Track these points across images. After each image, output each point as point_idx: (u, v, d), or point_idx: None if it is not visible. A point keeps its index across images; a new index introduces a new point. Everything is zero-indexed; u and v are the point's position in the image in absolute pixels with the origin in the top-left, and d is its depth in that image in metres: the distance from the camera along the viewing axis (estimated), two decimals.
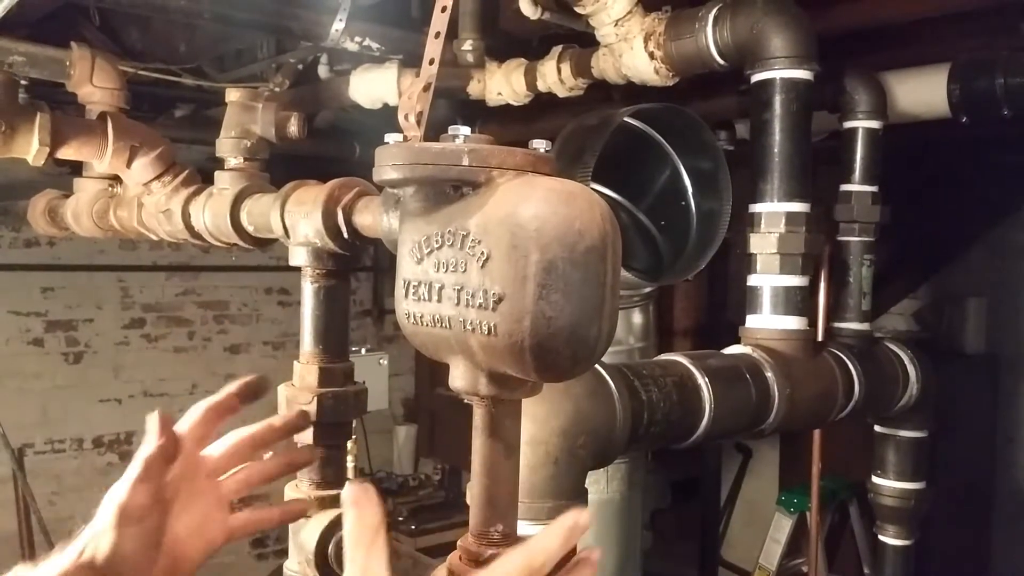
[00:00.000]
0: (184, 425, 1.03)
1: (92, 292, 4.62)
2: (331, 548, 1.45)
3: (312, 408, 1.49)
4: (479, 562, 0.80)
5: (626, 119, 2.03)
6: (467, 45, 2.37)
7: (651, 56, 1.95)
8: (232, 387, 1.08)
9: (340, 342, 1.58)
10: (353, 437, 2.36)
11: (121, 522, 0.95)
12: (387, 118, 2.41)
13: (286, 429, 1.18)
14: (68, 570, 0.94)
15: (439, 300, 0.79)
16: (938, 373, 2.19)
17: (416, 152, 0.80)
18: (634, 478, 2.65)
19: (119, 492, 0.95)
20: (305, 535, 1.48)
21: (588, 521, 0.74)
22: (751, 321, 1.87)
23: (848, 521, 4.28)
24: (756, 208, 1.85)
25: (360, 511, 0.76)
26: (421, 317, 0.81)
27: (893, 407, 2.13)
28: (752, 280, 1.88)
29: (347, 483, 0.77)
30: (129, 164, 2.06)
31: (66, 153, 2.03)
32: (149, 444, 0.97)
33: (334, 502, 1.51)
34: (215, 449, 1.10)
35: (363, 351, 4.50)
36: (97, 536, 0.95)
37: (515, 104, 2.43)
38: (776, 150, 1.81)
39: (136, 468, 0.96)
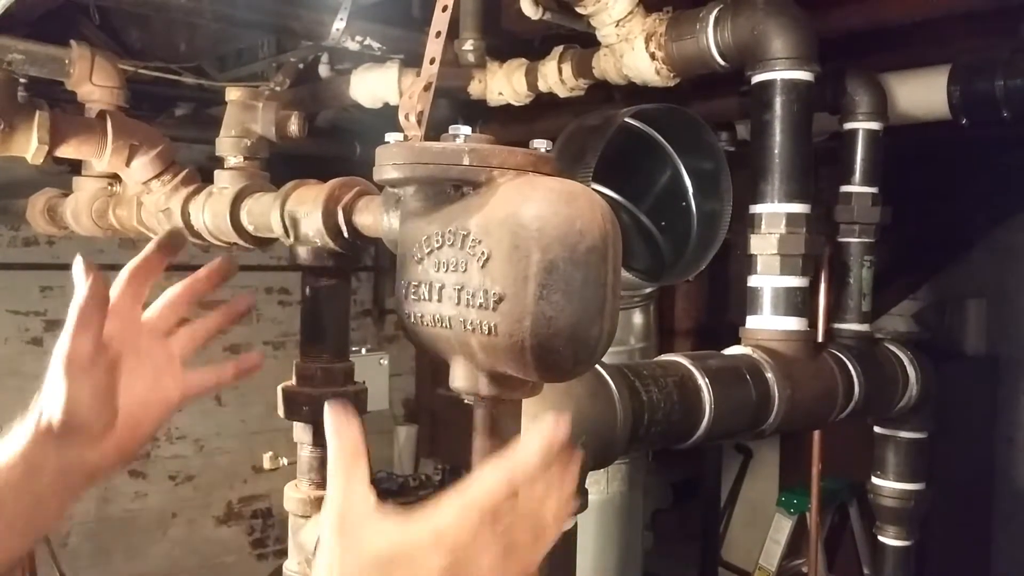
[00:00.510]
0: (114, 290, 1.02)
1: None
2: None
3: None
4: None
5: (627, 119, 2.03)
6: (468, 45, 2.36)
7: (652, 57, 1.94)
8: (151, 245, 1.08)
9: (340, 342, 1.58)
10: None
11: (69, 375, 0.93)
12: (388, 118, 2.41)
13: (215, 276, 1.16)
14: (29, 442, 0.94)
15: (440, 300, 0.78)
16: (938, 374, 2.19)
17: (417, 152, 0.80)
18: (635, 478, 2.65)
19: (61, 347, 0.93)
20: (305, 535, 1.48)
21: (567, 431, 0.71)
22: (751, 322, 1.87)
23: (848, 522, 4.28)
24: (757, 209, 1.85)
25: (340, 433, 0.73)
26: (421, 317, 0.81)
27: (893, 408, 2.13)
28: (752, 281, 1.88)
29: (325, 403, 0.74)
30: (129, 163, 2.06)
31: (65, 152, 2.03)
32: (79, 291, 0.94)
33: None
34: (152, 310, 1.10)
35: (363, 351, 4.49)
36: (49, 399, 0.94)
37: (516, 104, 2.43)
38: (777, 151, 1.81)
39: (72, 318, 0.93)
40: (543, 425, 0.71)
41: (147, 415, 1.05)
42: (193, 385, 1.13)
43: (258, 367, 1.21)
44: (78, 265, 0.96)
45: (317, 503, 1.51)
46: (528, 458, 0.70)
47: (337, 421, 0.73)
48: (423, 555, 0.68)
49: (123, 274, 1.04)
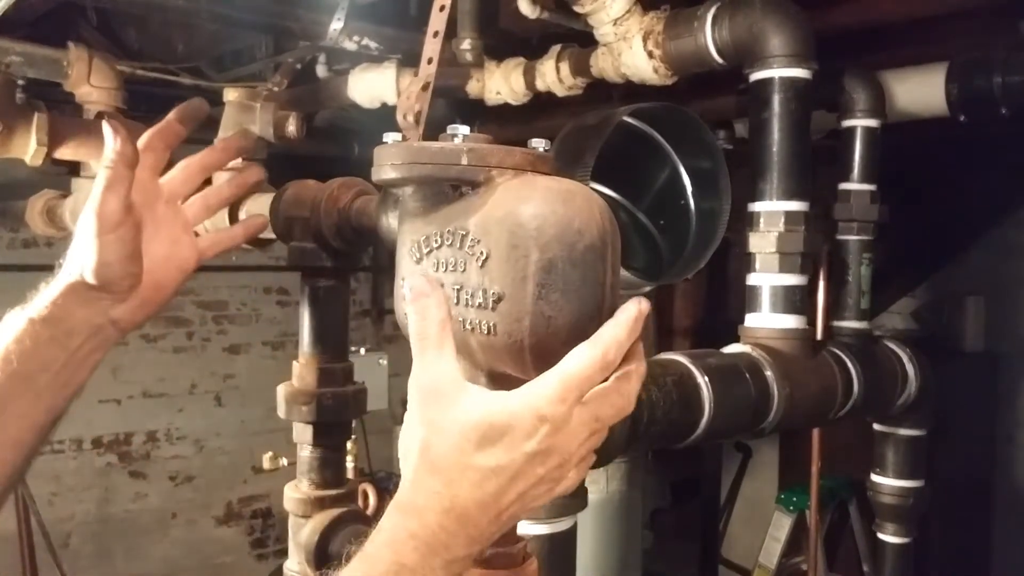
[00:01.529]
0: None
1: None
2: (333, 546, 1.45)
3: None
4: (480, 561, 0.80)
5: (625, 118, 2.03)
6: (466, 44, 2.36)
7: (650, 55, 1.95)
8: (172, 114, 1.11)
9: (339, 342, 1.58)
10: (353, 437, 2.37)
11: (100, 233, 0.99)
12: (386, 117, 2.41)
13: (231, 150, 1.22)
14: (60, 299, 1.00)
15: None
16: (937, 372, 2.19)
17: (415, 151, 0.80)
18: (634, 477, 2.65)
19: (92, 204, 0.99)
20: (305, 535, 1.48)
21: (649, 306, 0.73)
22: (750, 320, 1.87)
23: (847, 519, 4.28)
24: (755, 207, 1.85)
25: (424, 304, 0.73)
26: None
27: (892, 406, 2.13)
28: (751, 279, 1.88)
29: (409, 278, 0.74)
30: None
31: (64, 153, 2.03)
32: (109, 149, 0.99)
33: (334, 502, 1.51)
34: (168, 178, 1.14)
35: (362, 351, 4.50)
36: (81, 253, 1.00)
37: (514, 103, 2.43)
38: (775, 149, 1.81)
39: (103, 177, 0.99)
40: (628, 304, 0.73)
41: (167, 276, 1.10)
42: (206, 248, 1.17)
43: (263, 224, 1.27)
44: (107, 125, 1.00)
45: (317, 503, 1.51)
46: (620, 333, 0.71)
47: (420, 293, 0.73)
48: (523, 427, 0.68)
49: (143, 141, 1.07)
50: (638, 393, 0.75)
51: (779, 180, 1.82)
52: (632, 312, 0.72)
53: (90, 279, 1.01)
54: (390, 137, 0.86)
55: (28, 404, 0.98)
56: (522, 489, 0.70)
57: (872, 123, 2.13)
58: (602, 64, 2.11)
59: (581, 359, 0.70)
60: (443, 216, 0.79)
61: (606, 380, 0.72)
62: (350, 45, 2.26)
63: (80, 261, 1.01)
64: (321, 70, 2.80)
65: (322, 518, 1.48)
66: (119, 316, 1.05)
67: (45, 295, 1.02)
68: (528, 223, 0.72)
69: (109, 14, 2.71)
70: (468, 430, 0.69)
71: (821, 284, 2.83)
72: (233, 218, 1.76)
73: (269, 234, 1.65)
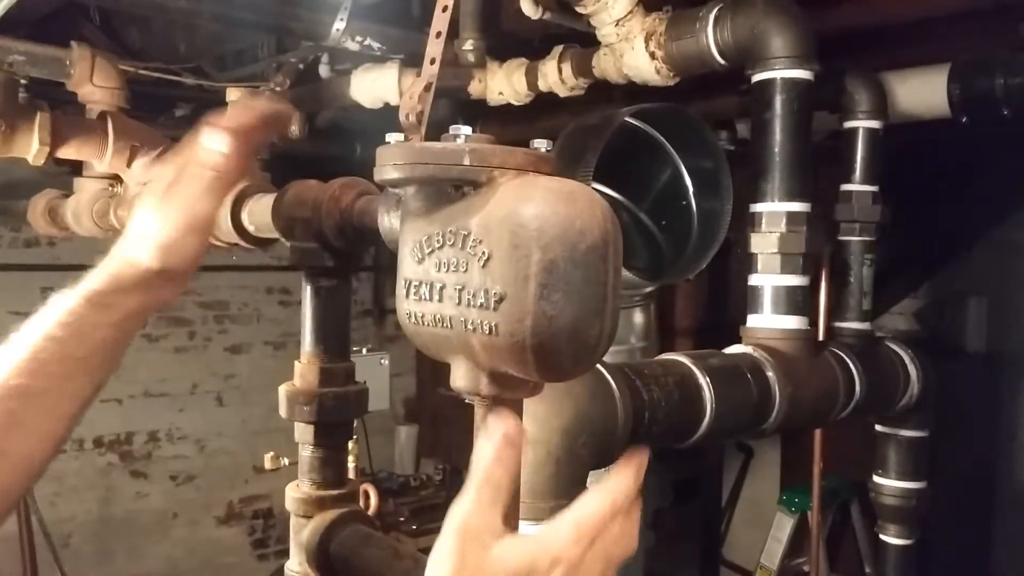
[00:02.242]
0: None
1: None
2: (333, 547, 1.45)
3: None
4: None
5: (627, 119, 2.03)
6: (468, 45, 2.37)
7: (652, 56, 1.95)
8: (259, 117, 1.06)
9: (341, 342, 1.58)
10: (354, 437, 2.37)
11: (186, 229, 1.02)
12: (388, 118, 2.41)
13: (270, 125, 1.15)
14: (120, 275, 1.03)
15: (440, 300, 0.79)
16: (939, 372, 2.19)
17: (417, 152, 0.80)
18: None
19: (192, 205, 1.02)
20: (306, 535, 1.48)
21: (648, 456, 0.78)
22: (752, 320, 1.87)
23: (849, 521, 4.28)
24: (757, 208, 1.85)
25: (501, 459, 0.76)
26: (422, 317, 0.81)
27: (894, 406, 2.13)
28: (753, 280, 1.88)
29: (493, 417, 0.79)
30: (129, 164, 2.06)
31: (66, 153, 2.03)
32: (215, 152, 1.01)
33: (335, 502, 1.51)
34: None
35: (364, 351, 4.49)
36: (151, 239, 1.02)
37: (516, 104, 2.43)
38: (777, 150, 1.81)
39: (203, 176, 1.02)
40: (634, 454, 0.78)
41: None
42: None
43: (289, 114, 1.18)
44: (215, 129, 1.02)
45: (318, 503, 1.50)
46: (629, 483, 0.77)
47: (511, 442, 0.76)
48: (542, 568, 0.72)
49: (233, 142, 1.05)
50: (636, 535, 0.80)
51: (781, 181, 1.82)
52: (641, 460, 0.78)
53: (157, 266, 1.02)
54: (392, 137, 0.86)
55: (82, 383, 1.01)
56: None
57: (874, 124, 2.13)
58: (604, 65, 2.11)
59: (594, 505, 0.76)
60: (445, 216, 0.79)
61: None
62: (352, 45, 2.26)
63: (148, 247, 1.02)
64: (323, 70, 2.81)
65: (323, 518, 1.48)
66: (165, 299, 1.07)
67: (101, 275, 1.03)
68: (530, 223, 0.72)
69: (111, 14, 2.71)
70: (493, 573, 0.73)
71: (823, 285, 2.82)
72: (235, 218, 1.76)
73: (271, 234, 1.65)
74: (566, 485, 1.47)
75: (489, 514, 0.75)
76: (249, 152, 1.06)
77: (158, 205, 1.02)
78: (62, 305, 1.02)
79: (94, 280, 1.03)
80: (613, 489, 0.77)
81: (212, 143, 1.01)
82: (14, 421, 0.96)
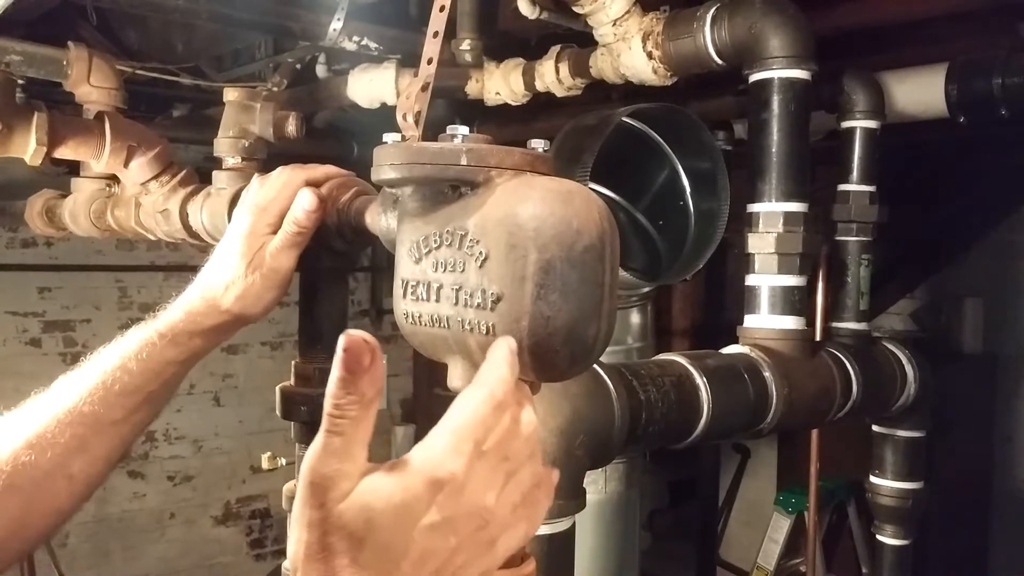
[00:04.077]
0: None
1: (90, 292, 4.62)
2: None
3: None
4: None
5: (624, 119, 2.03)
6: (465, 45, 2.37)
7: (649, 56, 1.95)
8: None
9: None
10: None
11: (268, 284, 1.07)
12: (385, 118, 2.41)
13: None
14: (196, 313, 1.07)
15: (437, 300, 0.79)
16: (936, 373, 2.19)
17: (414, 152, 0.80)
18: (632, 478, 2.65)
19: (277, 257, 1.07)
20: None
21: (516, 344, 0.68)
22: (749, 321, 1.87)
23: (846, 521, 4.29)
24: (754, 208, 1.85)
25: (354, 375, 0.61)
26: (419, 317, 0.81)
27: (891, 407, 2.14)
28: (750, 280, 1.88)
29: (342, 336, 0.61)
30: (127, 164, 2.05)
31: (63, 153, 2.03)
32: (301, 209, 1.06)
33: None
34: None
35: None
36: (229, 284, 1.06)
37: (513, 104, 2.43)
38: (774, 150, 1.81)
39: (289, 231, 1.07)
40: (499, 341, 0.69)
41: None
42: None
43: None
44: (310, 193, 1.08)
45: None
46: (502, 370, 0.66)
47: (354, 363, 0.61)
48: (417, 503, 0.60)
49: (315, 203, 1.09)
50: (538, 419, 0.69)
51: (778, 181, 1.82)
52: (506, 346, 0.68)
53: (236, 312, 1.07)
54: (389, 137, 0.86)
55: (146, 414, 1.07)
56: (436, 568, 0.60)
57: (871, 124, 2.13)
58: (601, 65, 2.11)
59: (469, 405, 0.63)
60: (442, 216, 0.79)
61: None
62: (350, 45, 2.26)
63: (231, 295, 1.06)
64: (321, 70, 2.81)
65: None
66: (229, 338, 1.13)
67: (178, 311, 1.06)
68: (527, 223, 0.72)
69: (109, 14, 2.71)
70: (358, 528, 0.59)
71: (820, 285, 2.83)
72: (231, 217, 1.75)
73: None
74: (562, 485, 1.47)
75: (345, 457, 0.60)
76: (326, 212, 1.12)
77: (244, 251, 1.06)
78: (138, 338, 1.05)
79: (172, 315, 1.06)
80: (488, 380, 0.65)
81: (304, 202, 1.06)
82: (82, 446, 0.99)
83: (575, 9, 1.95)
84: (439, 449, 0.61)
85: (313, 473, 0.60)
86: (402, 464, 0.62)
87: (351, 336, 0.61)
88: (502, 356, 0.67)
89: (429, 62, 0.88)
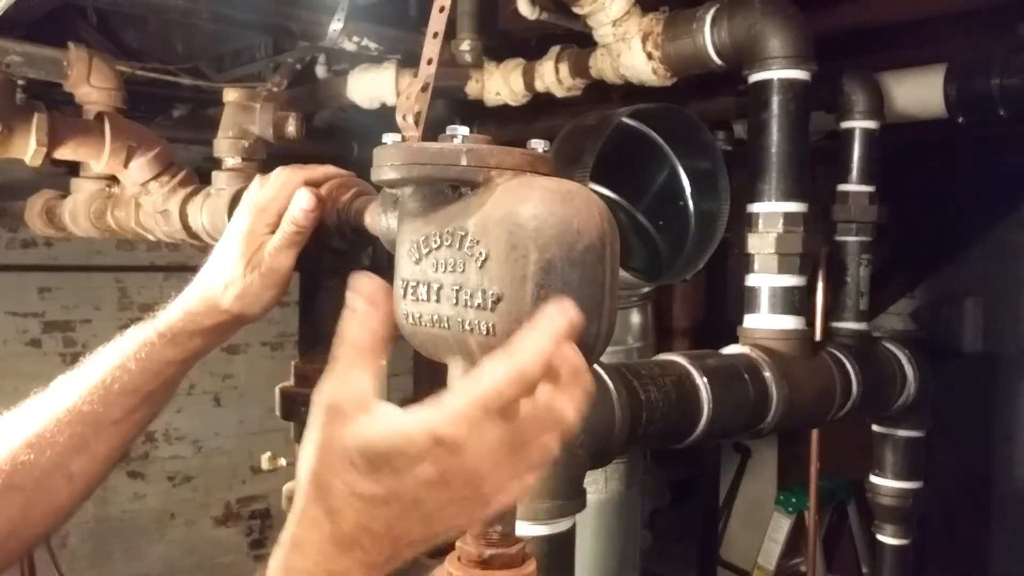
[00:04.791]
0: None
1: (90, 293, 4.62)
2: None
3: None
4: (478, 563, 0.80)
5: (624, 119, 2.03)
6: (465, 45, 2.37)
7: (649, 56, 1.95)
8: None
9: None
10: None
11: (267, 283, 1.07)
12: (385, 118, 2.41)
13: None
14: (195, 312, 1.07)
15: (437, 300, 0.79)
16: (936, 372, 2.19)
17: (414, 152, 0.80)
18: (632, 478, 2.65)
19: (276, 256, 1.07)
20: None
21: (577, 316, 0.64)
22: (749, 321, 1.87)
23: (846, 521, 4.29)
24: (754, 208, 1.86)
25: (368, 312, 0.67)
26: (419, 317, 0.81)
27: (891, 406, 2.14)
28: (750, 280, 1.88)
29: (351, 277, 0.67)
30: (126, 164, 2.05)
31: (63, 153, 2.03)
32: (299, 209, 1.07)
33: None
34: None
35: None
36: (228, 284, 1.06)
37: (513, 104, 2.43)
38: (774, 150, 1.82)
39: (287, 231, 1.08)
40: (552, 309, 0.64)
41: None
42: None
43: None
44: (307, 192, 1.09)
45: None
46: (542, 342, 0.62)
47: (372, 299, 0.67)
48: (415, 450, 0.61)
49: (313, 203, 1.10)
50: (582, 410, 0.66)
51: (778, 181, 1.82)
52: (558, 317, 0.64)
53: (235, 312, 1.07)
54: (389, 138, 0.86)
55: (145, 414, 1.07)
56: (423, 516, 0.63)
57: (871, 124, 2.13)
58: (601, 65, 2.12)
59: (492, 375, 0.62)
60: (442, 217, 0.79)
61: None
62: (350, 46, 2.26)
63: (230, 295, 1.06)
64: (321, 70, 2.81)
65: None
66: (229, 338, 1.13)
67: (177, 310, 1.06)
68: (527, 223, 0.72)
69: (109, 14, 2.71)
70: (355, 455, 0.62)
71: (820, 285, 2.83)
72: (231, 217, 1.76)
73: None
74: (563, 486, 1.47)
75: (352, 382, 0.65)
76: (325, 212, 1.13)
77: (243, 251, 1.06)
78: (138, 337, 1.05)
79: (171, 315, 1.07)
80: (520, 352, 0.62)
81: (302, 202, 1.06)
82: (82, 445, 1.00)
83: (575, 10, 1.95)
84: (447, 409, 0.62)
85: (322, 395, 0.65)
86: (410, 414, 0.63)
87: (366, 277, 0.67)
88: (548, 325, 0.63)
89: (429, 62, 0.88)
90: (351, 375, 0.66)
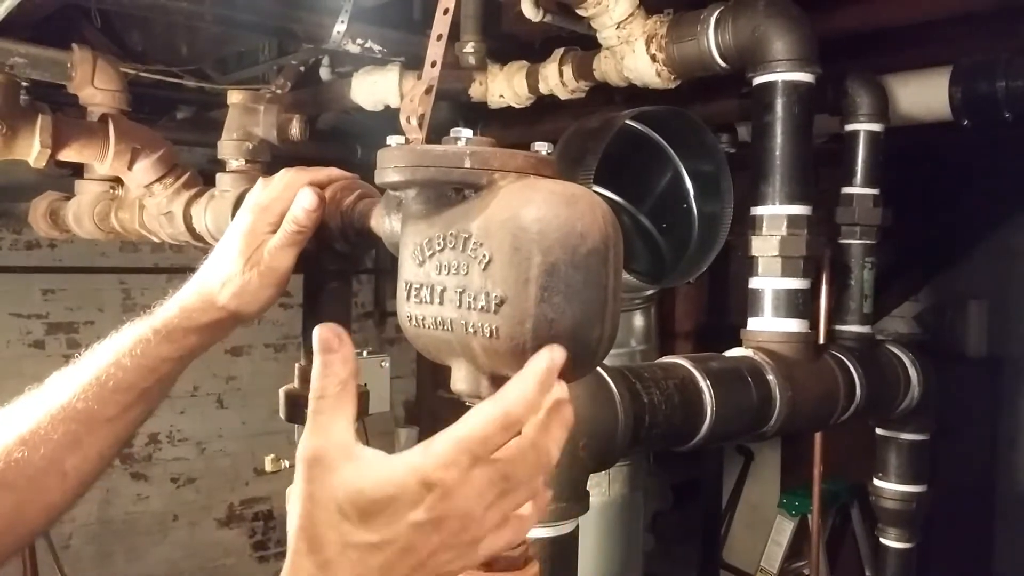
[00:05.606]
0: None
1: (93, 294, 4.63)
2: None
3: None
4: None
5: (628, 122, 2.03)
6: (469, 47, 2.37)
7: (653, 59, 1.95)
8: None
9: None
10: None
11: (266, 281, 1.06)
12: (389, 120, 2.41)
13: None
14: (192, 309, 1.05)
15: (441, 303, 0.79)
16: (939, 376, 2.19)
17: (418, 155, 0.80)
18: (635, 480, 2.65)
19: (275, 255, 1.05)
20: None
21: (564, 356, 0.66)
22: (752, 324, 1.87)
23: (850, 524, 4.28)
24: (757, 211, 1.85)
25: (328, 359, 0.67)
26: (423, 320, 0.81)
27: (894, 410, 2.13)
28: (753, 283, 1.88)
29: (315, 329, 0.68)
30: (131, 166, 2.06)
31: (67, 155, 2.03)
32: (301, 209, 1.05)
33: None
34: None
35: (364, 353, 4.48)
36: (226, 281, 1.05)
37: (517, 106, 2.43)
38: (778, 153, 1.81)
39: (288, 231, 1.05)
40: (539, 355, 0.67)
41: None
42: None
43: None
44: (311, 192, 1.06)
45: None
46: (527, 389, 0.65)
47: (327, 344, 0.68)
48: (407, 496, 0.62)
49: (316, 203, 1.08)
50: (560, 445, 0.68)
51: (782, 184, 1.82)
52: (542, 364, 0.66)
53: (232, 310, 1.05)
54: (393, 140, 0.86)
55: (140, 411, 1.05)
56: (417, 562, 0.64)
57: (875, 127, 2.13)
58: (605, 67, 2.11)
59: (478, 418, 0.64)
60: (446, 219, 0.79)
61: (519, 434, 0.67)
62: (353, 48, 2.26)
63: (228, 292, 1.04)
64: (324, 73, 2.81)
65: None
66: (226, 336, 1.12)
67: (174, 307, 1.05)
68: (531, 226, 0.72)
69: (113, 16, 2.71)
70: (346, 504, 0.63)
71: (823, 288, 2.82)
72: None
73: None
74: (567, 488, 1.47)
75: (332, 432, 0.66)
76: (326, 213, 1.11)
77: (243, 248, 1.05)
78: (133, 334, 1.04)
79: (167, 311, 1.05)
80: (508, 398, 0.65)
81: (304, 201, 1.05)
82: (76, 443, 0.99)
83: (579, 12, 1.95)
84: (437, 455, 0.63)
85: (304, 449, 0.66)
86: (400, 459, 0.64)
87: (321, 327, 0.68)
88: (534, 373, 0.66)
89: (433, 65, 0.88)
90: (330, 425, 0.66)
